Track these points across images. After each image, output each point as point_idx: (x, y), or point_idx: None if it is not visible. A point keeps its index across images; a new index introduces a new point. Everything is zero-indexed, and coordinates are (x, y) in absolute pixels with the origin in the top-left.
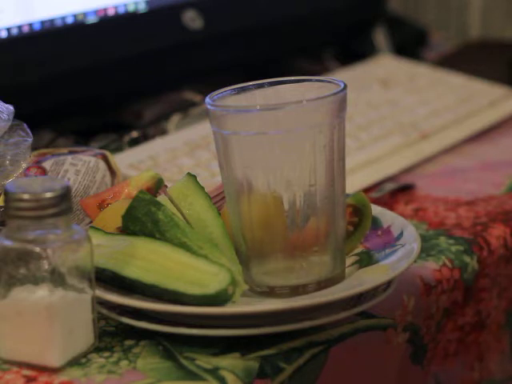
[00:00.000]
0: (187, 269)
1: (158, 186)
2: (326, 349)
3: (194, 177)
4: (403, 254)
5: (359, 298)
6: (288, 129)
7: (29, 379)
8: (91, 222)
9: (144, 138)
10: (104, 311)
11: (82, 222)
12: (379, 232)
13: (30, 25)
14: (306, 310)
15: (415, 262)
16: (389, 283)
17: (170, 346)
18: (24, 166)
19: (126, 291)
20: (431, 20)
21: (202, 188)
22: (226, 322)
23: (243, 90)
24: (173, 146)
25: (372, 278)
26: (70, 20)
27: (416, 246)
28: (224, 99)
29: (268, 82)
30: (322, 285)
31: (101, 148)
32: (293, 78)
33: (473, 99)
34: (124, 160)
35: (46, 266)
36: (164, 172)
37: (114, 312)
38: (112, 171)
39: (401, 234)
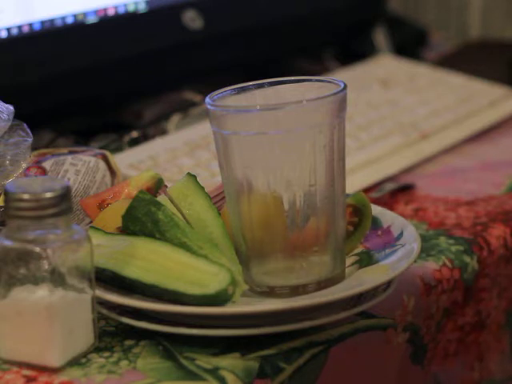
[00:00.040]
0: (187, 269)
1: (158, 185)
2: (326, 349)
3: (194, 177)
4: (403, 253)
5: (359, 298)
6: (288, 129)
7: (29, 379)
8: (91, 222)
9: (144, 137)
10: (104, 311)
11: (81, 222)
12: (379, 232)
13: (30, 25)
14: (305, 310)
15: (415, 262)
16: (389, 283)
17: (170, 346)
18: (24, 165)
19: (126, 291)
20: (431, 20)
21: (202, 188)
22: (226, 322)
23: (243, 89)
24: (173, 146)
25: (372, 278)
26: (70, 20)
27: (416, 246)
28: (224, 99)
29: (268, 82)
30: (322, 285)
31: (101, 148)
32: (293, 78)
33: (473, 99)
34: (124, 160)
35: (46, 266)
36: (164, 172)
37: (113, 312)
38: (112, 171)
39: (401, 234)
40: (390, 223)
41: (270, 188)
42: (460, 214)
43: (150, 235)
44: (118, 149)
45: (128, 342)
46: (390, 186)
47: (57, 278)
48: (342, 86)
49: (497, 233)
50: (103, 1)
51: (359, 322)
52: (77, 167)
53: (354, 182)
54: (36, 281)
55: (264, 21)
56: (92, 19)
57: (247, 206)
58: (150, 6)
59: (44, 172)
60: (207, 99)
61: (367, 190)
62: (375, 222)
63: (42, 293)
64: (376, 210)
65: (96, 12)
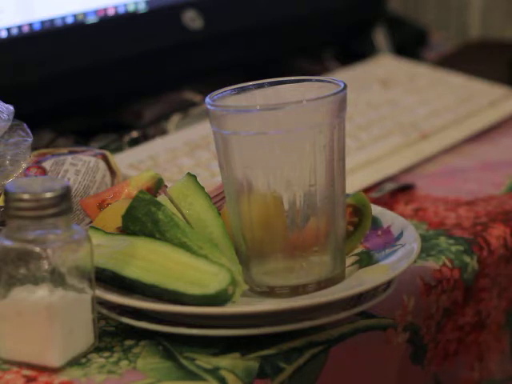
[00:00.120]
0: (187, 269)
1: (158, 185)
2: (326, 349)
3: (194, 177)
4: (403, 253)
5: (359, 298)
6: (288, 129)
7: (29, 379)
8: (91, 222)
9: (144, 137)
10: (104, 311)
11: (81, 222)
12: (379, 232)
13: (30, 25)
14: (306, 310)
15: (415, 262)
16: (389, 283)
17: (170, 346)
18: (24, 165)
19: (126, 291)
20: (431, 20)
21: (202, 188)
22: (226, 322)
23: (243, 89)
24: (173, 146)
25: (372, 278)
26: (70, 20)
27: (416, 246)
28: (224, 99)
29: (268, 82)
30: (322, 285)
31: (101, 148)
32: (293, 78)
33: (473, 99)
34: (124, 160)
35: (46, 266)
36: (164, 172)
37: (114, 312)
38: (112, 171)
39: (401, 234)
40: (390, 223)
41: (270, 188)
42: (460, 213)
43: (150, 235)
44: (118, 149)
45: (128, 342)
46: (389, 186)
47: (57, 278)
48: (342, 86)
49: (497, 233)
50: (103, 1)
51: (359, 322)
52: (77, 167)
53: (354, 182)
54: (36, 281)
55: (264, 21)
56: (92, 19)
57: (247, 206)
58: (150, 6)
59: (44, 172)
60: (207, 99)
61: (367, 190)
62: (375, 222)
63: (42, 293)
64: (376, 210)
65: (96, 12)
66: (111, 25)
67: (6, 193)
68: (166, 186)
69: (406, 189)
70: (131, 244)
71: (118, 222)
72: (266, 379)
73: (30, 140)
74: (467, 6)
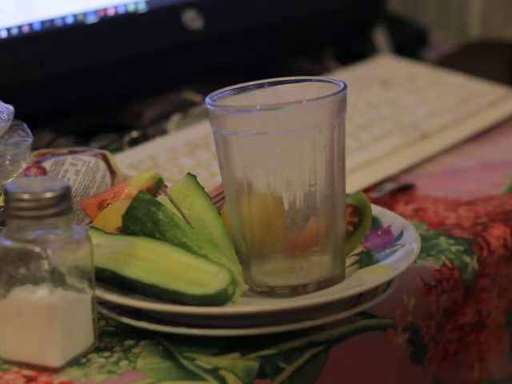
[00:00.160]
0: (187, 269)
1: (158, 185)
2: (326, 349)
3: (194, 177)
4: (403, 253)
5: (359, 298)
6: (288, 129)
7: (29, 379)
8: (91, 222)
9: (144, 138)
10: (104, 311)
11: (81, 222)
12: (379, 232)
13: (30, 25)
14: (306, 310)
15: (415, 262)
16: (389, 283)
17: (170, 346)
18: (24, 165)
19: (126, 291)
20: (431, 20)
21: (202, 188)
22: (226, 322)
23: (243, 89)
24: (173, 146)
25: (372, 278)
26: (70, 20)
27: (416, 246)
28: (224, 99)
29: (268, 82)
30: (322, 285)
31: (101, 148)
32: (293, 78)
33: (473, 99)
34: (124, 160)
35: (46, 266)
36: (164, 172)
37: (114, 312)
38: (112, 171)
39: (401, 234)
40: (390, 223)
41: (270, 188)
42: (460, 213)
43: (150, 235)
44: (118, 149)
45: (128, 342)
46: (389, 186)
47: (57, 278)
48: (342, 86)
49: (497, 233)
50: (103, 1)
51: (359, 321)
52: (77, 167)
53: (354, 182)
54: (36, 281)
55: (264, 21)
56: (92, 19)
57: (247, 206)
58: (150, 6)
59: (44, 172)
60: (207, 99)
61: (367, 190)
62: (375, 222)
63: (41, 293)
64: (376, 210)
65: (96, 12)
66: (111, 25)
67: (6, 193)
68: (166, 186)
69: (406, 189)
70: (131, 244)
71: (118, 222)
72: (265, 379)
73: (30, 140)
74: (467, 6)
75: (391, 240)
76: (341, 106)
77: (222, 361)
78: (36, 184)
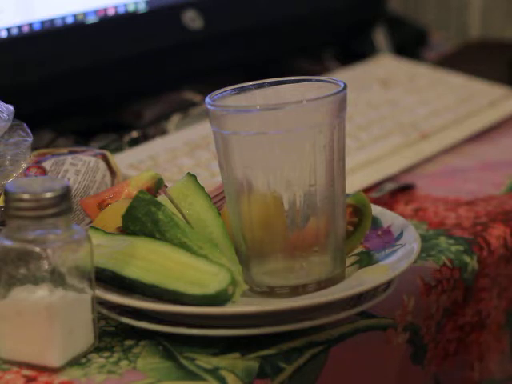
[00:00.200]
0: (187, 269)
1: (158, 185)
2: (326, 349)
3: (194, 177)
4: (403, 253)
5: (359, 298)
6: (288, 129)
7: (29, 379)
8: (91, 222)
9: (144, 138)
10: (104, 311)
11: (81, 222)
12: (379, 232)
13: (30, 25)
14: (306, 310)
15: (415, 262)
16: (389, 283)
17: (170, 346)
18: (24, 165)
19: (126, 291)
20: (431, 20)
21: (202, 188)
22: (226, 322)
23: (243, 89)
24: (173, 146)
25: (372, 278)
26: (70, 20)
27: (416, 246)
28: (224, 99)
29: (268, 82)
30: (322, 285)
31: (101, 148)
32: (293, 78)
33: (473, 99)
34: (124, 160)
35: (46, 266)
36: (164, 172)
37: (114, 312)
38: (112, 171)
39: (401, 234)
40: (390, 223)
41: (270, 188)
42: (460, 213)
43: (150, 235)
44: (118, 149)
45: (128, 342)
46: (389, 186)
47: (57, 278)
48: (342, 86)
49: (497, 233)
50: (103, 1)
51: (359, 321)
52: (77, 167)
53: (354, 182)
54: (36, 281)
55: (264, 21)
56: (92, 19)
57: (247, 206)
58: (150, 6)
59: (44, 172)
60: (207, 99)
61: (367, 190)
62: (375, 222)
63: (41, 293)
64: (376, 210)
65: (96, 12)
66: (111, 25)
67: (6, 193)
68: (166, 186)
69: (406, 189)
70: (131, 244)
71: (118, 222)
72: (265, 379)
73: (30, 140)
74: (467, 6)
75: (391, 240)
76: (341, 106)
77: (222, 361)
78: (36, 184)
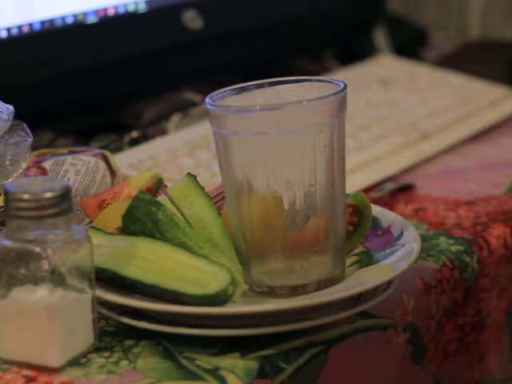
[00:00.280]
0: (187, 269)
1: (158, 185)
2: (326, 349)
3: (194, 177)
4: (403, 253)
5: (359, 298)
6: (288, 129)
7: (29, 379)
8: (91, 222)
9: (144, 138)
10: (104, 311)
11: (81, 222)
12: (379, 232)
13: (30, 25)
14: (305, 310)
15: (415, 262)
16: (389, 283)
17: (170, 346)
18: (24, 165)
19: (126, 291)
20: (431, 20)
21: (202, 188)
22: (226, 322)
23: (243, 89)
24: (173, 146)
25: (372, 278)
26: (70, 20)
27: (416, 246)
28: (224, 99)
29: (268, 82)
30: (322, 285)
31: (101, 148)
32: (293, 78)
33: (473, 99)
34: (124, 160)
35: (46, 266)
36: (164, 172)
37: (114, 312)
38: (112, 171)
39: (401, 234)
40: (390, 223)
41: (270, 188)
42: (460, 213)
43: (150, 235)
44: (118, 149)
45: (128, 342)
46: (389, 186)
47: (57, 278)
48: (342, 86)
49: (497, 233)
50: (103, 1)
51: (359, 321)
52: (77, 167)
53: (354, 182)
54: (36, 281)
55: (264, 21)
56: (92, 19)
57: (247, 206)
58: (150, 6)
59: (44, 172)
60: (207, 99)
61: (367, 190)
62: (375, 222)
63: (41, 293)
64: (376, 210)
65: (96, 12)
66: (111, 25)
67: (6, 193)
68: (166, 186)
69: (406, 189)
70: (131, 244)
71: (118, 222)
72: (265, 379)
73: (30, 140)
74: (467, 6)
75: (391, 240)
76: (341, 106)
77: (222, 361)
78: (36, 184)
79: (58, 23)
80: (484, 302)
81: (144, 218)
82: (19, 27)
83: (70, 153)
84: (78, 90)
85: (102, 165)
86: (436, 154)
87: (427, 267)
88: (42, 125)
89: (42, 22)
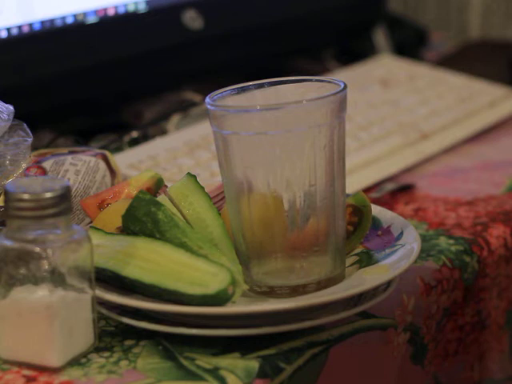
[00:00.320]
0: (187, 269)
1: (158, 185)
2: (326, 349)
3: (194, 177)
4: (403, 253)
5: (359, 298)
6: (288, 129)
7: (29, 379)
8: (91, 222)
9: (144, 138)
10: (104, 311)
11: (81, 222)
12: (379, 232)
13: (30, 25)
14: (305, 309)
15: (415, 262)
16: (389, 283)
17: (170, 346)
18: (24, 165)
19: (126, 291)
20: (431, 20)
21: (202, 188)
22: (226, 322)
23: (243, 89)
24: (173, 146)
25: (372, 278)
26: (69, 20)
27: (416, 245)
28: (224, 99)
29: (268, 82)
30: (322, 285)
31: (101, 148)
32: (293, 77)
33: (473, 99)
34: (124, 160)
35: (46, 266)
36: (164, 172)
37: (113, 312)
38: (112, 171)
39: (401, 234)
40: (389, 223)
41: (269, 188)
42: (460, 214)
43: (150, 235)
44: (118, 149)
45: (128, 342)
46: (389, 186)
47: (57, 278)
48: (342, 86)
49: (497, 233)
50: (103, 1)
51: (359, 321)
52: (77, 167)
53: (354, 182)
54: (36, 281)
55: (264, 21)
56: (92, 19)
57: (247, 206)
58: (150, 6)
59: (44, 172)
60: (207, 99)
61: (367, 190)
62: (375, 222)
63: (41, 293)
64: (376, 209)
65: (96, 12)
66: (111, 25)
67: (6, 193)
68: (166, 186)
69: (406, 189)
70: (131, 244)
71: (118, 222)
72: (265, 379)
73: (30, 140)
74: (467, 6)
75: (391, 240)
76: (341, 106)
77: (222, 361)
78: (36, 184)
79: (58, 23)
80: (484, 301)
81: (144, 218)
82: (19, 27)
83: (70, 153)
84: (78, 90)
85: (102, 165)
86: (436, 153)
87: (427, 267)
88: (42, 125)
89: (42, 22)
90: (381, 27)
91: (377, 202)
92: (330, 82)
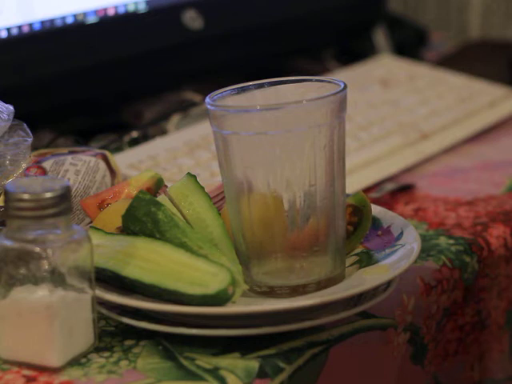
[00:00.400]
0: (187, 269)
1: (158, 185)
2: (326, 349)
3: (194, 177)
4: (403, 253)
5: (359, 298)
6: (288, 129)
7: (29, 379)
8: (91, 222)
9: (144, 138)
10: (104, 311)
11: (81, 222)
12: (379, 232)
13: (30, 25)
14: (305, 309)
15: (415, 262)
16: (389, 283)
17: (170, 346)
18: (24, 165)
19: (126, 291)
20: (431, 20)
21: (202, 188)
22: (226, 322)
23: (243, 89)
24: (173, 146)
25: (372, 278)
26: (69, 20)
27: (416, 245)
28: (224, 99)
29: (268, 82)
30: (322, 285)
31: (101, 148)
32: (293, 77)
33: (473, 99)
34: (124, 160)
35: (46, 266)
36: (164, 172)
37: (113, 312)
38: (112, 171)
39: (401, 234)
40: (389, 223)
41: (269, 188)
42: (460, 214)
43: (150, 235)
44: (118, 149)
45: (128, 342)
46: (389, 186)
47: (57, 278)
48: (342, 86)
49: (497, 233)
50: (103, 1)
51: (359, 321)
52: (77, 167)
53: (354, 182)
54: (36, 281)
55: (264, 21)
56: (92, 19)
57: (247, 206)
58: (150, 6)
59: (44, 172)
60: (207, 99)
61: (367, 190)
62: (375, 222)
63: (41, 293)
64: (376, 209)
65: (96, 12)
66: (111, 25)
67: (6, 193)
68: (166, 186)
69: (406, 189)
70: (131, 244)
71: (118, 222)
72: (265, 379)
73: (30, 140)
74: (467, 6)
75: (391, 240)
76: (341, 106)
77: (222, 361)
78: (36, 184)
79: (58, 23)
80: (484, 301)
81: (144, 218)
82: (19, 27)
83: (70, 153)
84: (78, 90)
85: (102, 165)
86: (436, 153)
87: (427, 267)
88: (42, 125)
89: (42, 22)
90: (381, 27)
91: (377, 202)
92: (329, 82)
